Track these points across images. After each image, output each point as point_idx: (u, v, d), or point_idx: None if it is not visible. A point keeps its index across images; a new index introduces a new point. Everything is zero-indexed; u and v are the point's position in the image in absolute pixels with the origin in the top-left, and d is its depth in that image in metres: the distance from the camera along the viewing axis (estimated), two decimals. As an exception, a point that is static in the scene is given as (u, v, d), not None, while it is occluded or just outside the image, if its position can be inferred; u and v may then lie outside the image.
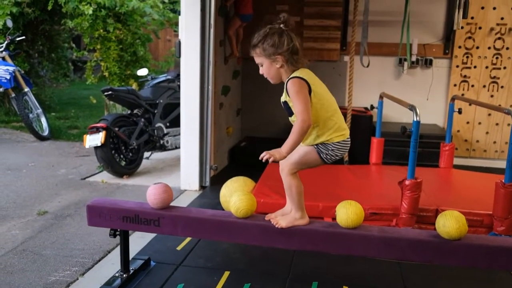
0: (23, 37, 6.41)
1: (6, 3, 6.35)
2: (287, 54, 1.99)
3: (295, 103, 1.97)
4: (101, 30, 6.31)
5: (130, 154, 4.58)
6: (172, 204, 2.34)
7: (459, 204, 3.04)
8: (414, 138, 2.83)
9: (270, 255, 2.73)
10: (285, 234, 2.14)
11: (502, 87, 5.07)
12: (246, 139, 5.46)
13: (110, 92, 4.46)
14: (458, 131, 5.18)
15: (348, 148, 2.13)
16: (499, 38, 4.98)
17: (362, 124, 4.70)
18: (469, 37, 5.03)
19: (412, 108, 2.90)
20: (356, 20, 4.34)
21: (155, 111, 4.88)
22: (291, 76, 2.02)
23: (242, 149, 5.12)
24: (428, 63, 5.16)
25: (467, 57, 5.07)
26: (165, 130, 4.93)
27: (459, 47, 5.07)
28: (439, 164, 4.08)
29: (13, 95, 5.92)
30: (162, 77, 5.29)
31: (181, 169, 4.12)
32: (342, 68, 5.30)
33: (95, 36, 6.40)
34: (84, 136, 4.27)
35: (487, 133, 5.17)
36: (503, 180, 2.78)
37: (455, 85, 5.14)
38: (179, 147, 4.66)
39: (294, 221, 2.13)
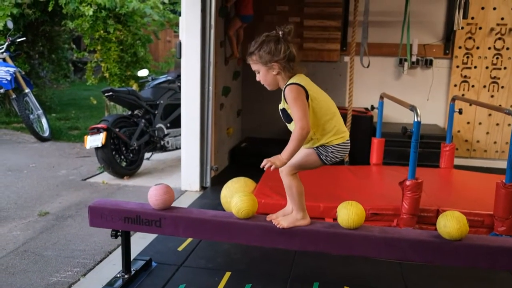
0: (24, 38, 6.41)
1: (7, 4, 6.36)
2: (283, 62, 2.00)
3: (293, 109, 1.97)
4: (102, 31, 6.32)
5: (131, 155, 4.58)
6: (173, 205, 2.35)
7: (460, 204, 3.04)
8: (415, 139, 2.84)
9: (271, 256, 2.74)
10: (286, 235, 2.14)
11: (502, 87, 5.07)
12: (247, 139, 5.46)
13: (110, 93, 4.47)
14: (459, 131, 5.19)
15: (348, 150, 2.13)
16: (499, 38, 4.98)
17: (362, 124, 4.70)
18: (469, 38, 5.04)
19: (412, 108, 2.90)
20: (356, 20, 4.34)
21: (156, 112, 4.89)
22: (288, 82, 2.02)
23: (243, 149, 5.12)
24: (428, 64, 5.17)
25: (468, 57, 5.08)
26: (166, 131, 4.93)
27: (460, 47, 5.07)
28: (440, 164, 4.08)
29: (14, 96, 5.93)
30: (162, 78, 5.30)
31: (181, 169, 4.12)
32: (342, 69, 5.31)
33: (95, 37, 6.41)
34: (85, 137, 4.28)
35: (487, 133, 5.18)
36: (503, 181, 2.78)
37: (455, 85, 5.15)
38: (179, 148, 4.67)
39: (295, 222, 2.14)
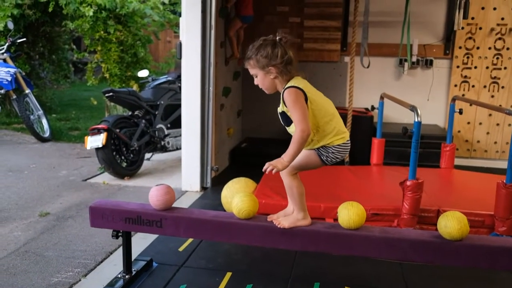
0: (24, 39, 6.42)
1: (7, 5, 6.37)
2: (280, 66, 2.01)
3: (293, 112, 1.98)
4: (102, 32, 6.32)
5: (131, 155, 4.59)
6: (173, 205, 2.35)
7: (461, 204, 3.04)
8: (415, 139, 2.84)
9: (272, 256, 2.74)
10: (287, 235, 2.15)
11: (502, 87, 5.07)
12: (247, 140, 5.46)
13: (111, 94, 4.47)
14: (459, 131, 5.19)
15: (349, 150, 2.14)
16: (499, 39, 4.99)
17: (363, 124, 4.70)
18: (470, 38, 5.04)
19: (413, 108, 2.90)
20: (357, 21, 4.35)
21: (156, 113, 4.89)
22: (287, 86, 2.03)
23: (243, 150, 5.12)
24: (428, 64, 5.17)
25: (468, 57, 5.08)
26: (166, 131, 4.94)
27: (460, 47, 5.07)
28: (440, 164, 4.08)
29: (14, 96, 5.93)
30: (162, 79, 5.30)
31: (182, 170, 4.12)
32: (342, 69, 5.31)
33: (95, 37, 6.42)
34: (85, 137, 4.28)
35: (488, 133, 5.18)
36: (504, 181, 2.78)
37: (455, 85, 5.15)
38: (180, 148, 4.67)
39: (296, 222, 2.14)
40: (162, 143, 4.89)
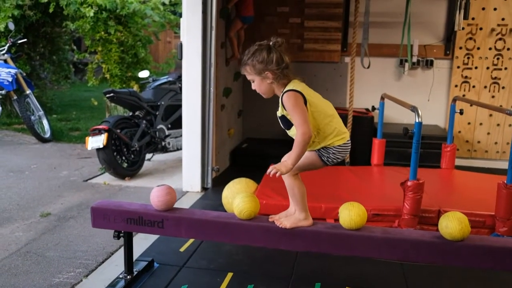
0: (25, 40, 6.42)
1: (8, 6, 6.37)
2: (276, 70, 2.01)
3: (293, 116, 1.99)
4: (102, 32, 6.32)
5: (132, 156, 4.59)
6: (174, 206, 2.35)
7: (461, 205, 3.04)
8: (416, 139, 2.84)
9: (273, 257, 2.74)
10: (288, 236, 2.15)
11: (503, 87, 5.08)
12: (248, 140, 5.47)
13: (111, 94, 4.48)
14: (459, 132, 5.19)
15: (349, 150, 2.16)
16: (500, 39, 4.99)
17: (363, 125, 4.71)
18: (470, 38, 5.04)
19: (414, 109, 2.91)
20: (357, 21, 4.35)
21: (157, 113, 4.89)
22: (285, 89, 2.03)
23: (244, 150, 5.13)
24: (429, 64, 5.17)
25: (468, 58, 5.08)
26: (167, 132, 4.94)
27: (460, 48, 5.08)
28: (441, 165, 4.08)
29: (15, 97, 5.94)
30: (163, 79, 5.30)
31: (183, 170, 4.13)
32: (343, 69, 5.31)
33: (96, 38, 6.42)
34: (86, 138, 4.29)
35: (488, 133, 5.18)
36: (505, 181, 2.79)
37: (456, 86, 5.15)
38: (180, 149, 4.68)
39: (298, 222, 2.15)
40: (163, 143, 4.90)
